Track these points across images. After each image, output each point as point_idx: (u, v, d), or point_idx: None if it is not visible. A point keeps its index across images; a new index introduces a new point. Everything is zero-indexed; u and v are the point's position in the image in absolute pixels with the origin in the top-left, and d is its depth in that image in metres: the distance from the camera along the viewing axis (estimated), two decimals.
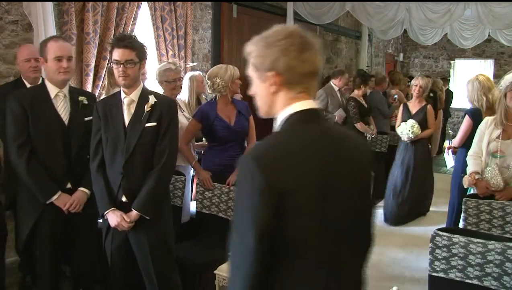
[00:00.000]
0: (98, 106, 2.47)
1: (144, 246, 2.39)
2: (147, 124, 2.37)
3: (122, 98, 2.41)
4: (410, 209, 5.04)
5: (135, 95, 2.40)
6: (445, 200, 4.05)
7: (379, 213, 5.28)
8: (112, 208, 2.37)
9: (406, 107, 5.08)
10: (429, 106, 5.01)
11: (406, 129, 4.84)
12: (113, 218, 2.36)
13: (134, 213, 2.36)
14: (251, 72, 1.31)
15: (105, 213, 2.39)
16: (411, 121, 4.84)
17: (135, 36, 2.42)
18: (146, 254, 2.39)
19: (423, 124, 4.89)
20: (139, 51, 2.35)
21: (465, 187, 3.13)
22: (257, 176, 1.11)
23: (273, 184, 1.11)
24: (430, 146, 6.19)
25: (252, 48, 1.28)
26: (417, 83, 4.97)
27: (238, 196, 1.20)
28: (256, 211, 1.11)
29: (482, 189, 2.91)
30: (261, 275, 1.15)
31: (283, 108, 1.26)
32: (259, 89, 1.29)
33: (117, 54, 2.31)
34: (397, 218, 4.97)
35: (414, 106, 5.02)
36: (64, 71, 2.45)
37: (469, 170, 3.05)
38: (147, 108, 2.37)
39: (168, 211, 2.55)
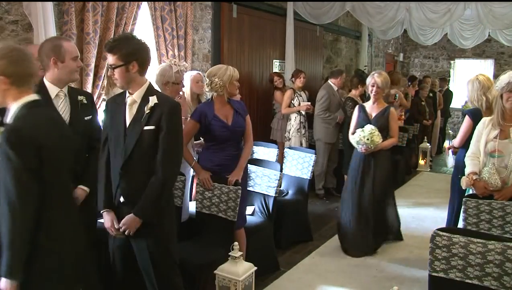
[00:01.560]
0: (108, 104, 2.49)
1: (143, 251, 2.37)
2: (146, 128, 2.29)
3: (126, 97, 2.38)
4: (377, 236, 4.14)
5: (138, 95, 2.34)
6: (445, 200, 4.05)
7: None
8: (107, 209, 2.38)
9: (362, 110, 4.16)
10: (392, 109, 4.12)
11: (364, 137, 3.86)
12: (106, 220, 2.39)
13: (129, 218, 2.32)
14: None
15: (101, 212, 2.41)
16: (369, 127, 3.90)
17: (127, 35, 2.41)
18: (146, 258, 2.37)
19: (384, 132, 4.01)
20: (123, 53, 2.26)
21: (463, 188, 3.11)
22: (23, 136, 1.80)
23: (33, 140, 1.81)
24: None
25: None
26: (373, 82, 4.07)
27: (4, 154, 1.78)
28: (23, 157, 1.77)
29: (480, 189, 2.90)
30: (33, 201, 1.81)
31: (15, 100, 1.88)
32: None
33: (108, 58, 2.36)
34: (362, 247, 4.05)
35: (372, 109, 4.12)
36: (78, 70, 2.56)
37: (467, 170, 3.04)
38: (146, 110, 2.30)
39: (170, 215, 2.50)
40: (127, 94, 2.38)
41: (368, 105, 4.17)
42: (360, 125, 4.03)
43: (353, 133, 4.06)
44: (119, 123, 2.36)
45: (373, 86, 4.07)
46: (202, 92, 3.90)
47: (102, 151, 2.45)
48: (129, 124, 2.34)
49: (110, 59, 2.30)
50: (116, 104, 2.42)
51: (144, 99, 2.34)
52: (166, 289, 2.44)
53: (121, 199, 2.37)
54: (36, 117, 1.89)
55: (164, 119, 2.29)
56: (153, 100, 2.31)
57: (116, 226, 2.35)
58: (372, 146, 3.87)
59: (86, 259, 2.16)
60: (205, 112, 3.14)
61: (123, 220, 2.33)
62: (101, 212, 2.40)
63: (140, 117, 2.31)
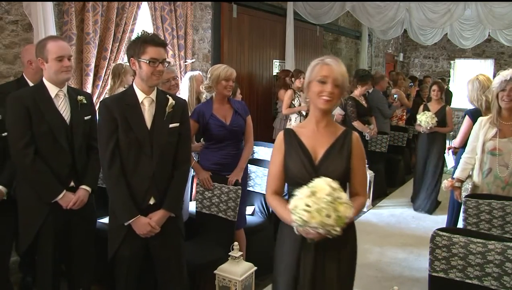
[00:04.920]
0: (111, 107, 2.24)
1: (167, 250, 2.38)
2: (171, 125, 2.32)
3: (140, 98, 2.29)
4: None
5: (153, 94, 2.33)
6: (445, 200, 4.05)
7: (381, 214, 5.28)
8: (138, 216, 2.26)
9: (294, 140, 1.93)
10: (355, 136, 1.96)
11: (320, 213, 1.62)
12: (141, 226, 2.27)
13: (161, 215, 2.31)
14: None
15: (129, 221, 2.25)
16: (325, 186, 1.68)
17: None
18: (169, 256, 2.39)
19: (343, 183, 1.88)
20: None
21: (444, 189, 3.27)
22: None
23: None
24: None
25: None
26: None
27: None
28: None
29: (456, 196, 3.16)
30: None
31: None
32: None
33: (155, 52, 2.22)
34: None
35: (315, 137, 1.92)
36: (66, 70, 2.46)
37: (456, 174, 3.18)
38: (168, 109, 2.32)
39: (181, 214, 2.53)
40: (139, 94, 2.29)
41: (305, 131, 1.96)
42: (293, 178, 1.89)
43: (272, 194, 1.96)
44: (141, 124, 2.27)
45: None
46: (200, 92, 3.92)
47: (112, 160, 2.23)
48: (152, 124, 2.29)
49: (165, 54, 2.30)
50: (126, 106, 2.26)
51: (159, 99, 2.34)
52: (180, 287, 2.46)
53: (151, 202, 2.31)
54: None
55: (185, 116, 2.42)
56: (171, 99, 2.36)
57: (156, 227, 2.29)
58: (337, 229, 1.64)
59: None
60: (203, 112, 3.16)
61: (156, 220, 2.29)
62: (130, 221, 2.25)
63: (162, 116, 2.31)
